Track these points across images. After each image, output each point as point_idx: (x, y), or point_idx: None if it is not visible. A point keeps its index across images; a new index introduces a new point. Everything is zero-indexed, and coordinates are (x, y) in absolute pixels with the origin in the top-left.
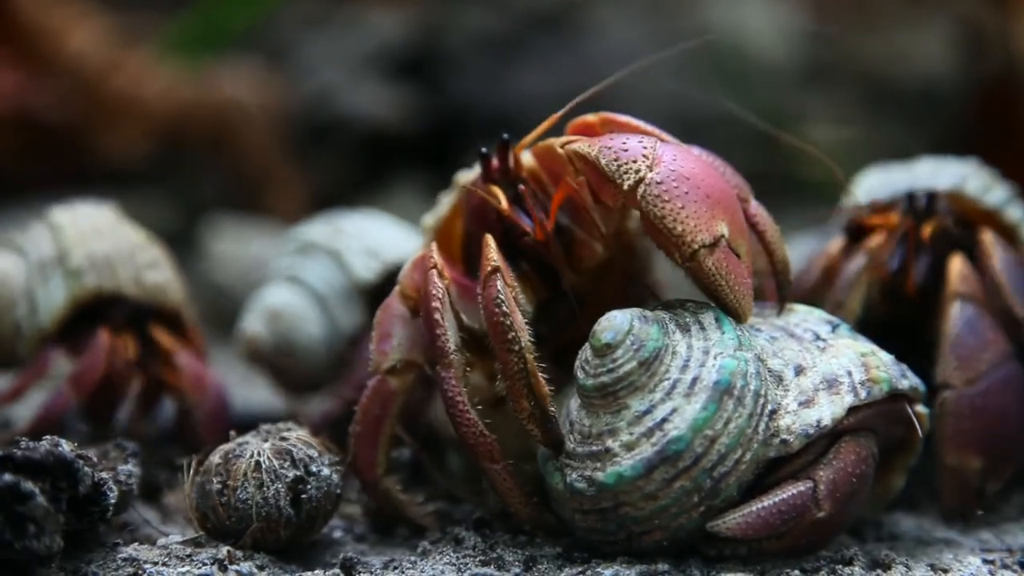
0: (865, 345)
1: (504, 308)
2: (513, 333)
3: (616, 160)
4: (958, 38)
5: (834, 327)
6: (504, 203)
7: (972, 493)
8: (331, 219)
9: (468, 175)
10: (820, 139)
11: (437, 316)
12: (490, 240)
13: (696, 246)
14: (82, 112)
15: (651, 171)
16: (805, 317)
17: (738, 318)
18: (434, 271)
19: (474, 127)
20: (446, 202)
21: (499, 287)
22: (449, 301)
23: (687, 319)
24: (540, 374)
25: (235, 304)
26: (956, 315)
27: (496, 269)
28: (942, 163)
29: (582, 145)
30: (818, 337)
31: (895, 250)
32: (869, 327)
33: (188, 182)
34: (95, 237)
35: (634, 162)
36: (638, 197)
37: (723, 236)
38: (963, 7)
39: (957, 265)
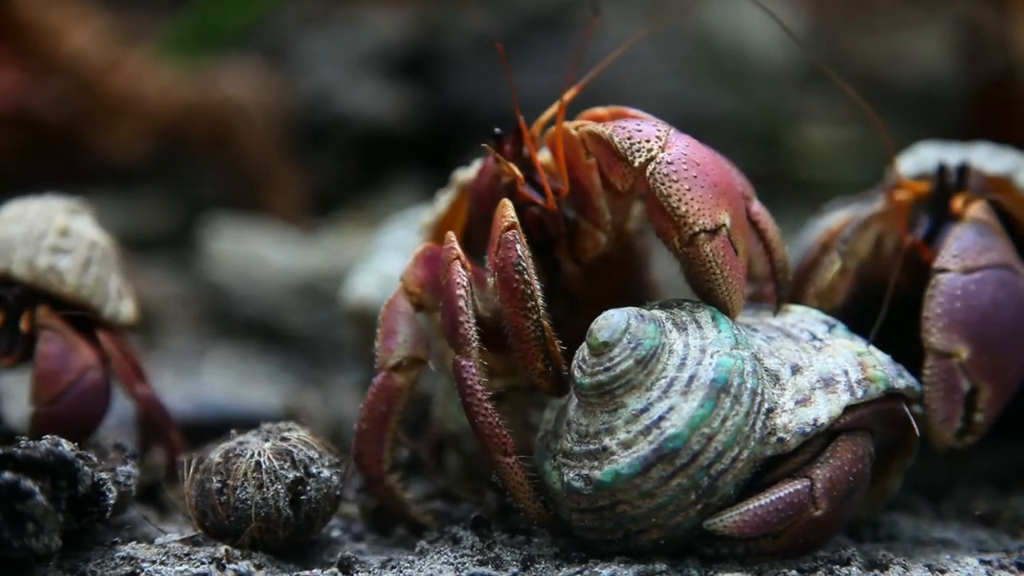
0: (862, 344)
1: (525, 276)
2: (533, 302)
3: (629, 139)
4: (957, 39)
5: (830, 327)
6: (520, 175)
7: (960, 398)
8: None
9: (466, 173)
10: (818, 140)
11: (461, 303)
12: (507, 202)
13: (697, 229)
14: (81, 111)
15: (663, 152)
16: (802, 317)
17: (728, 313)
18: (457, 262)
19: (473, 126)
20: (444, 200)
21: (519, 251)
22: (471, 292)
23: (684, 318)
24: (554, 335)
25: (233, 303)
26: (966, 226)
27: (514, 225)
28: (999, 151)
29: (596, 126)
30: (814, 337)
31: (923, 220)
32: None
33: (187, 181)
34: (15, 222)
35: (647, 141)
36: (647, 174)
37: (725, 226)
38: (962, 8)
39: (979, 203)
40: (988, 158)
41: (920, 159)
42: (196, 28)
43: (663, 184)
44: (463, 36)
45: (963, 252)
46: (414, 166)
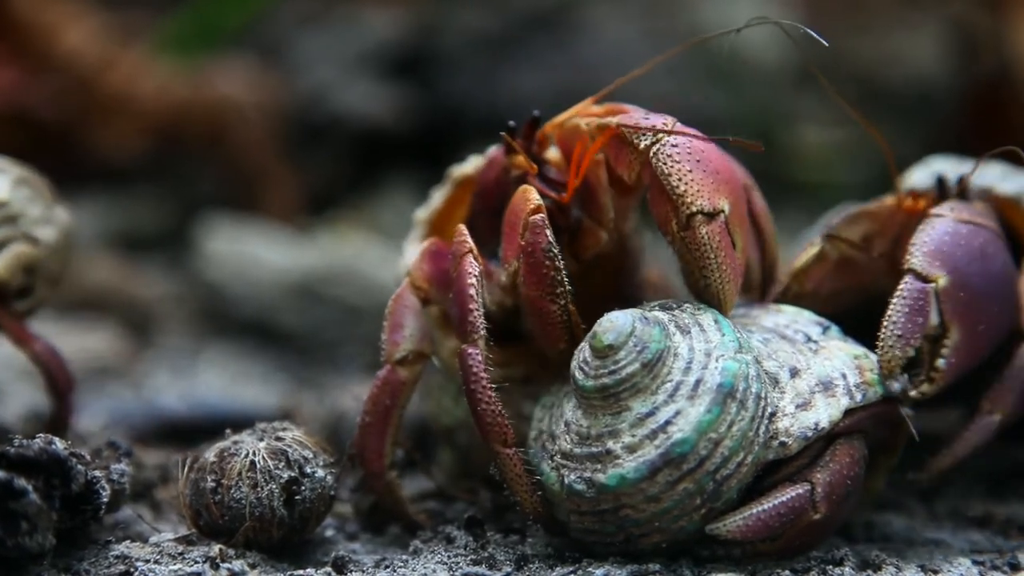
0: (857, 347)
1: (557, 261)
2: (561, 288)
3: (636, 124)
4: (951, 40)
5: (824, 329)
6: (534, 167)
7: (923, 323)
8: None
9: (462, 168)
10: (813, 140)
11: (472, 292)
12: (528, 187)
13: (695, 209)
14: (77, 110)
15: (668, 136)
16: (795, 318)
17: (720, 304)
18: (470, 254)
19: (468, 126)
20: (439, 196)
21: (549, 235)
22: (483, 283)
23: (686, 320)
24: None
25: (228, 302)
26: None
27: (540, 208)
28: (1014, 172)
29: (605, 118)
30: (809, 339)
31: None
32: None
33: (183, 180)
34: None
35: (653, 127)
36: (651, 154)
37: (723, 212)
38: (956, 9)
39: (979, 204)
40: (1000, 178)
41: (932, 172)
42: (193, 27)
43: (665, 164)
44: (459, 36)
45: (960, 208)
46: (409, 166)
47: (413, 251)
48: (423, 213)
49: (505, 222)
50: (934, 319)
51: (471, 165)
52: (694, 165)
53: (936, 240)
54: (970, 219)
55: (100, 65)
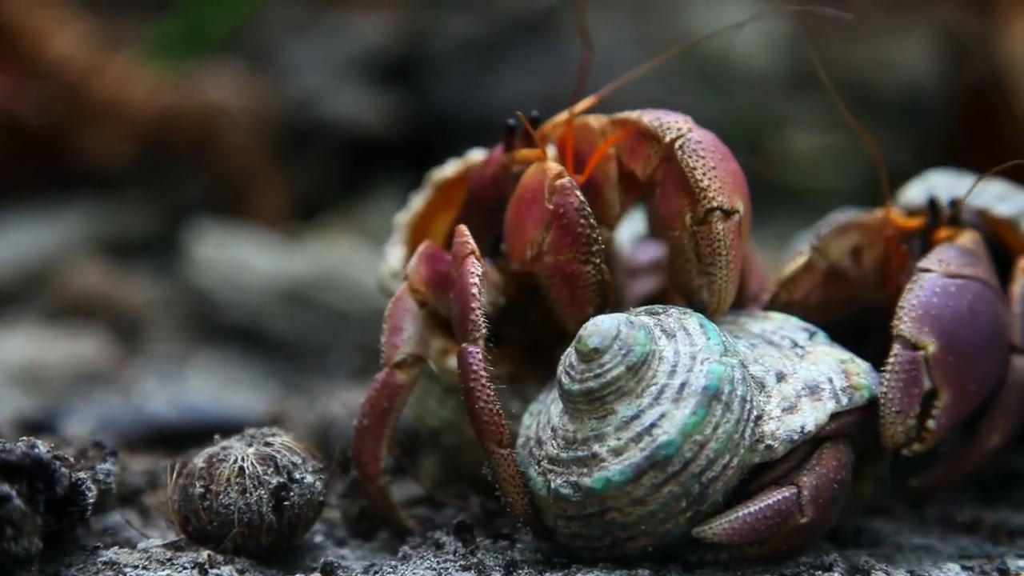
0: (843, 352)
1: (591, 219)
2: (597, 245)
3: (659, 119)
4: (941, 46)
5: (811, 334)
6: (544, 154)
7: (918, 394)
8: None
9: (442, 171)
10: (803, 146)
11: (475, 291)
12: (543, 161)
13: (715, 204)
14: (65, 115)
15: (691, 132)
16: (781, 324)
17: (718, 302)
18: (472, 256)
19: (457, 132)
20: (419, 200)
21: (580, 195)
22: (484, 283)
23: (672, 325)
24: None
25: (217, 308)
26: (953, 244)
27: (563, 172)
28: (1013, 191)
29: (621, 113)
30: (796, 344)
31: (914, 248)
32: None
33: (171, 185)
34: None
35: (675, 122)
36: (676, 147)
37: (739, 212)
38: (946, 15)
39: (969, 233)
40: (998, 199)
41: (929, 187)
42: (180, 32)
43: (691, 156)
44: (447, 42)
45: (948, 259)
46: (398, 171)
47: (395, 254)
48: (403, 217)
49: (513, 208)
50: (926, 385)
51: (451, 169)
52: (718, 163)
53: (924, 303)
54: (958, 272)
55: (88, 71)
